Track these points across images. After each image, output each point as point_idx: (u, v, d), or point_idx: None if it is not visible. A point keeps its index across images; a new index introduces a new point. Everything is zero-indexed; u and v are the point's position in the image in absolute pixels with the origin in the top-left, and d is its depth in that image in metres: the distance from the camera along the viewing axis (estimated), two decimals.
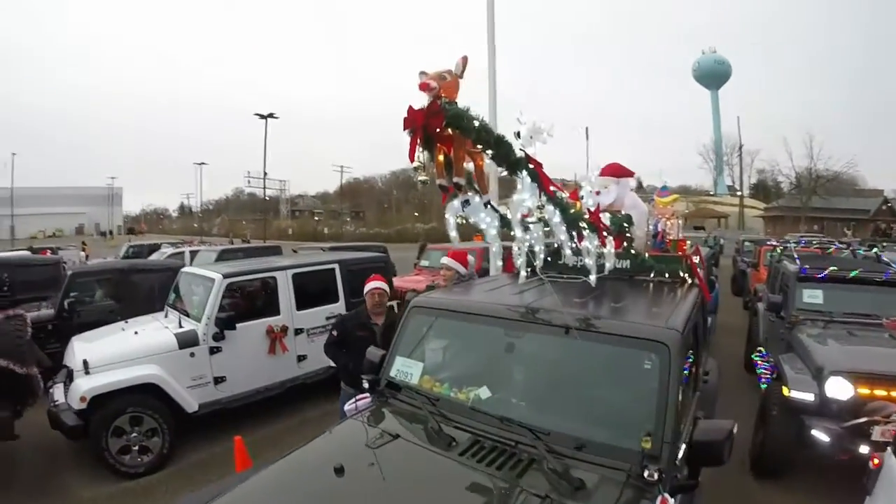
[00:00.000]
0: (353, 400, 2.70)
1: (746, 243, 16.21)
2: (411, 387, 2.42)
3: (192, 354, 4.56)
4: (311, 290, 5.57)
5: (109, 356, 4.31)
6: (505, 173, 2.16)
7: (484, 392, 2.19)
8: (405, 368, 2.51)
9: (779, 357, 4.34)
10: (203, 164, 54.19)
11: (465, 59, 1.84)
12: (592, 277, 2.72)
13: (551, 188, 2.17)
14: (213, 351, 4.68)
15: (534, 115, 2.03)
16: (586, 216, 2.53)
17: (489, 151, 1.92)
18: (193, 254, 11.25)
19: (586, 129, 40.38)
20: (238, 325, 4.79)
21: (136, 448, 4.21)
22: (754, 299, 8.09)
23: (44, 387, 4.31)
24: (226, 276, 4.86)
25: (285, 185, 56.10)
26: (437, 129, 1.73)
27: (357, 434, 2.18)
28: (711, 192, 54.43)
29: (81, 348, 4.50)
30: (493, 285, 3.00)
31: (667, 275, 3.24)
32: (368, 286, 3.73)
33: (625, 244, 3.30)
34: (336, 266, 5.83)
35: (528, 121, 2.02)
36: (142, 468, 4.19)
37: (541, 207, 2.10)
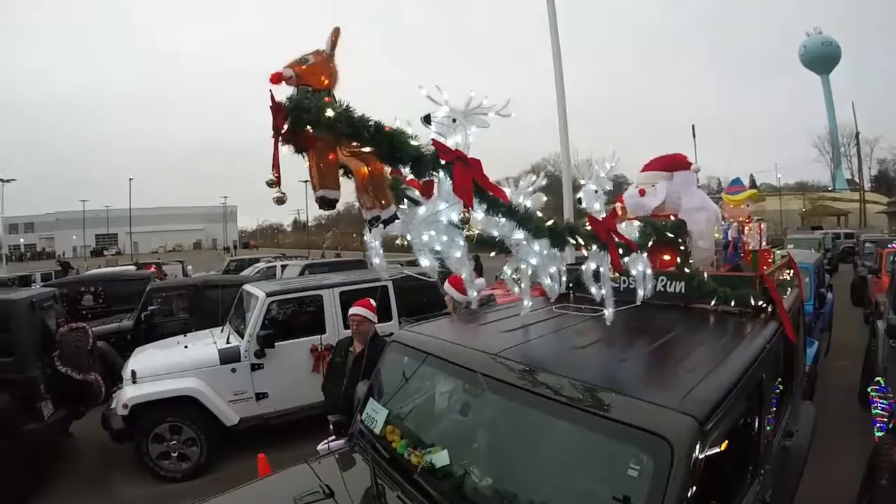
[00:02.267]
0: (326, 441, 2.36)
1: (867, 244, 13.43)
2: (375, 436, 1.99)
3: (233, 370, 4.52)
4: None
5: (155, 367, 4.44)
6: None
7: (441, 458, 1.66)
8: (372, 413, 2.08)
9: None
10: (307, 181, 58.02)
11: (335, 32, 1.33)
12: (608, 312, 1.95)
13: (518, 194, 1.56)
14: (255, 368, 4.60)
15: (474, 93, 1.43)
16: (587, 226, 1.83)
17: (369, 149, 1.32)
18: (284, 268, 11.72)
19: (692, 127, 36.94)
20: (282, 343, 4.68)
21: (176, 455, 4.30)
22: (874, 313, 6.40)
23: (109, 392, 4.65)
24: (269, 295, 4.75)
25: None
26: (284, 128, 1.24)
27: (296, 482, 1.84)
28: (830, 188, 47.20)
29: (135, 359, 4.69)
30: (498, 315, 2.40)
31: (733, 302, 2.30)
32: (350, 311, 3.35)
33: (679, 260, 2.48)
34: (389, 283, 5.52)
35: (448, 99, 1.41)
36: (179, 474, 4.28)
37: (465, 221, 1.45)
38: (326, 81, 1.31)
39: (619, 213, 2.69)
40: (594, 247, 1.85)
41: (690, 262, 2.53)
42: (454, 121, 1.45)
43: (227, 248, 61.40)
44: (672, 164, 2.91)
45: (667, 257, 2.51)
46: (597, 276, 1.95)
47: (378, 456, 1.88)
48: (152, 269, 10.63)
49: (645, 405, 1.28)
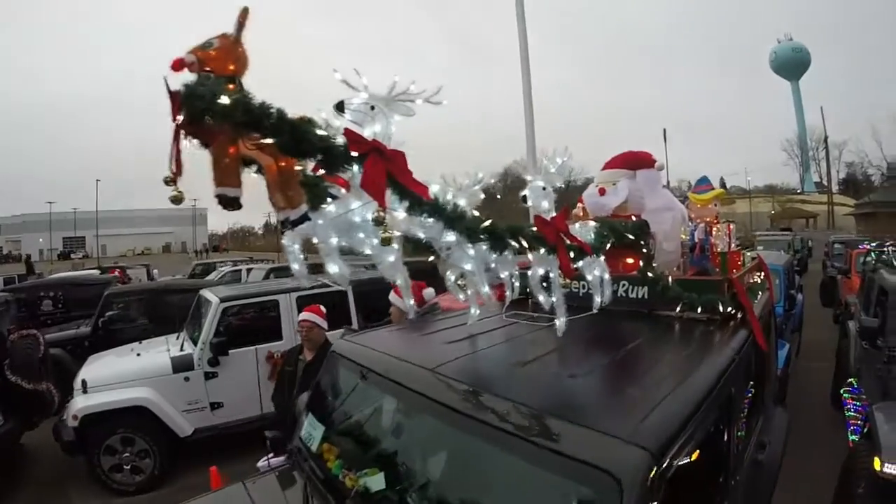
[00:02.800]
0: (266, 457, 2.15)
1: (836, 245, 13.68)
2: (311, 454, 1.78)
3: (186, 379, 4.26)
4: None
5: (106, 377, 4.17)
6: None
7: (377, 482, 1.46)
8: (310, 428, 1.87)
9: (873, 409, 2.96)
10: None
11: (243, 13, 1.17)
12: (559, 322, 1.75)
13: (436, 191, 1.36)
14: (209, 376, 4.33)
15: (398, 77, 1.24)
16: (532, 228, 1.64)
17: (270, 140, 1.13)
18: (249, 271, 11.39)
19: (664, 130, 37.43)
20: (237, 351, 4.42)
21: (129, 467, 4.06)
22: (845, 314, 6.41)
23: (63, 402, 4.35)
24: (223, 300, 4.51)
25: None
26: (179, 119, 1.08)
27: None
28: (798, 191, 48.52)
29: (87, 367, 4.40)
30: (446, 325, 2.18)
31: (699, 309, 2.13)
32: (298, 317, 3.15)
33: (641, 264, 2.29)
34: (348, 288, 5.32)
35: (368, 84, 1.22)
36: (132, 487, 4.04)
37: (380, 221, 1.19)
38: (232, 67, 1.16)
39: (581, 213, 2.53)
40: (542, 250, 1.64)
41: (654, 265, 2.34)
42: (372, 108, 1.26)
43: (198, 252, 59.65)
44: (634, 161, 2.70)
45: (630, 260, 2.33)
46: (546, 282, 1.75)
47: (314, 476, 1.70)
48: (115, 273, 10.12)
49: (592, 434, 1.08)
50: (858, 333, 4.12)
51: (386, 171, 1.23)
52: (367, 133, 1.25)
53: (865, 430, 3.05)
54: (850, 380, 4.17)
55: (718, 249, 3.08)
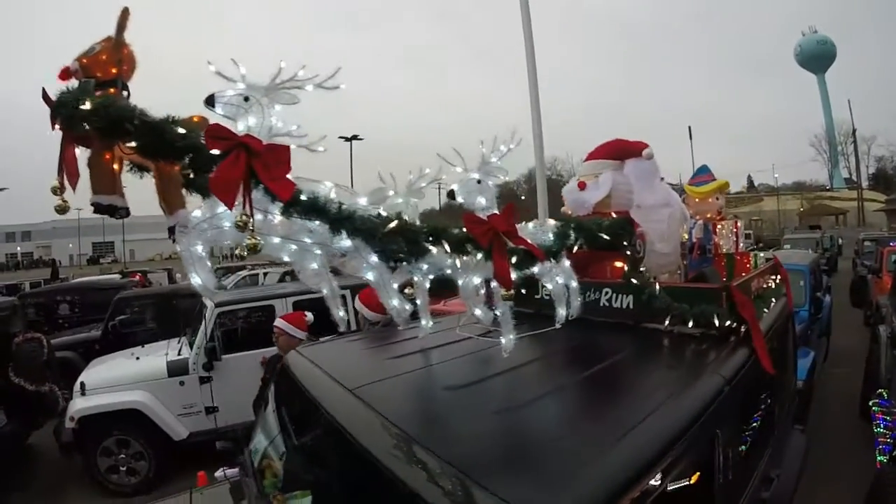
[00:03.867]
0: (223, 468, 2.00)
1: (866, 243, 12.86)
2: (254, 469, 1.63)
3: (181, 383, 4.18)
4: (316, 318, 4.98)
5: (104, 380, 4.15)
6: None
7: None
8: (256, 443, 1.72)
9: None
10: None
11: (123, 14, 1.12)
12: (505, 340, 1.46)
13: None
14: (204, 380, 4.24)
15: (285, 63, 1.08)
16: (462, 229, 1.38)
17: (134, 144, 1.03)
18: (266, 275, 11.43)
19: (689, 128, 36.21)
20: (233, 355, 4.32)
21: (124, 469, 4.04)
22: (875, 315, 5.91)
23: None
24: (218, 305, 4.41)
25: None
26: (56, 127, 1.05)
27: None
28: (827, 187, 46.38)
29: (87, 371, 4.38)
30: (402, 336, 1.91)
31: (691, 322, 1.73)
32: None
33: (626, 268, 1.95)
34: (347, 292, 5.19)
35: (245, 74, 1.06)
36: (128, 488, 4.03)
37: (243, 226, 1.00)
38: (115, 70, 1.13)
39: (570, 212, 2.23)
40: (480, 255, 1.38)
41: (643, 269, 2.01)
42: (246, 99, 1.09)
43: (224, 256, 60.12)
44: (620, 150, 2.34)
45: (618, 264, 2.02)
46: (489, 292, 1.49)
47: (252, 493, 1.55)
48: (136, 278, 10.29)
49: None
50: (890, 340, 3.71)
51: (247, 168, 1.04)
52: (239, 127, 1.09)
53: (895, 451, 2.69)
54: (879, 391, 3.73)
55: (724, 250, 2.76)
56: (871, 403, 3.62)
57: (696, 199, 2.64)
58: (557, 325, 1.69)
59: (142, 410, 4.00)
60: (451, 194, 1.43)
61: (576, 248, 1.86)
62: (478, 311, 1.51)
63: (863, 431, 4.12)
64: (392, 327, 2.06)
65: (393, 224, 1.24)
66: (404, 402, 1.30)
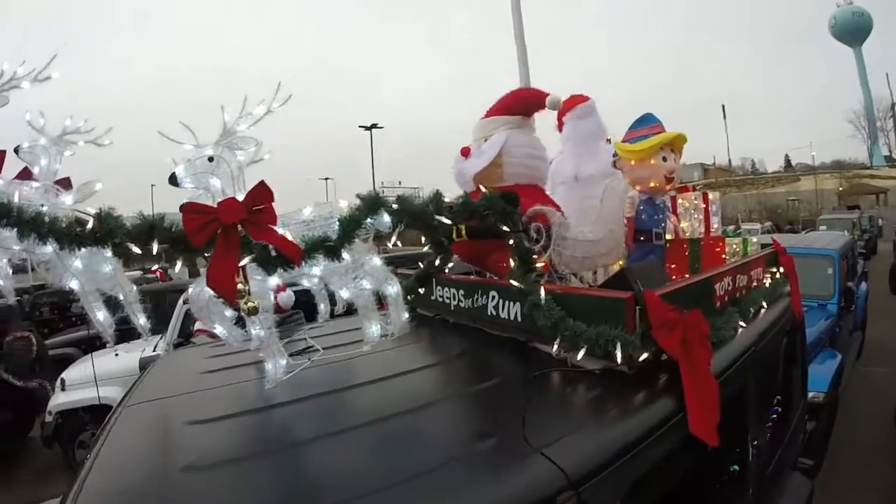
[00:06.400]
0: None
1: None
2: None
3: None
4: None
5: (83, 375, 4.19)
6: None
7: None
8: None
9: None
10: (328, 178, 44.47)
11: None
12: (270, 367, 1.19)
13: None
14: None
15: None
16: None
17: None
18: None
19: (723, 107, 34.10)
20: None
21: None
22: None
23: None
24: (186, 301, 4.39)
25: (418, 192, 55.48)
26: None
27: None
28: (867, 165, 42.78)
29: (71, 367, 4.50)
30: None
31: (582, 351, 1.19)
32: None
33: (513, 264, 1.45)
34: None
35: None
36: None
37: None
38: None
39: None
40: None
41: (543, 264, 1.51)
42: None
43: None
44: (520, 102, 1.76)
45: (509, 261, 1.49)
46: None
47: None
48: (156, 273, 10.55)
49: None
50: None
51: None
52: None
53: None
54: None
55: (687, 234, 2.08)
56: None
57: (632, 161, 1.83)
58: (365, 348, 1.34)
59: (111, 406, 4.01)
60: (173, 179, 1.08)
61: (463, 235, 1.56)
62: (217, 329, 1.25)
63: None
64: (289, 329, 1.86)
65: (90, 224, 1.00)
66: (160, 426, 1.17)
